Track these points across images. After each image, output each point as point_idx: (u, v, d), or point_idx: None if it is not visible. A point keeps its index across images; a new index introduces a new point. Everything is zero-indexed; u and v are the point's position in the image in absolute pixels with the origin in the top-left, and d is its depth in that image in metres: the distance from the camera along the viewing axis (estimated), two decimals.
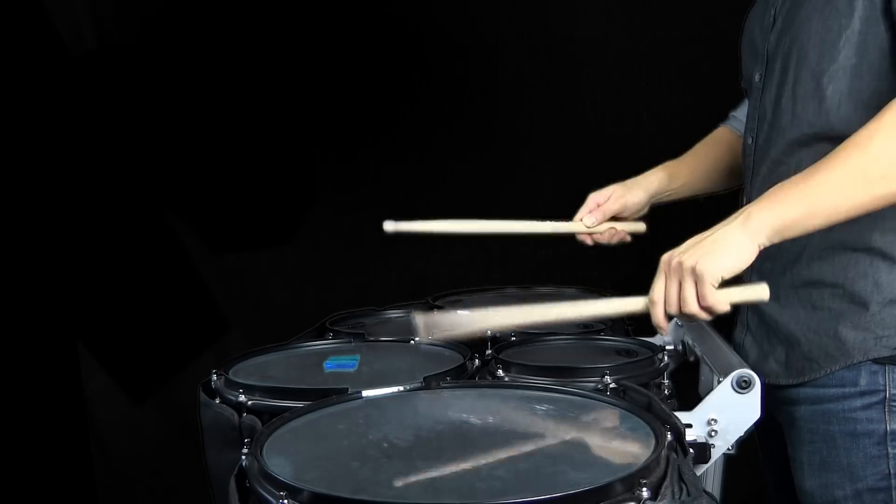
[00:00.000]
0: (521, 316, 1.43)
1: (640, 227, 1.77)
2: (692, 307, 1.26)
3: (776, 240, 1.26)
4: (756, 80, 1.53)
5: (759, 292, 1.31)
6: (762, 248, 1.25)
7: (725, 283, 1.27)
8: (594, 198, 1.73)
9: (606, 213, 1.72)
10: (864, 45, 1.32)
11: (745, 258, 1.25)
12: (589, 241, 1.75)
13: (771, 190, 1.28)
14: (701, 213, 1.43)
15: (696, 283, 1.25)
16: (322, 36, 3.11)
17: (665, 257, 1.30)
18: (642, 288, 1.33)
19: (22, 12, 2.99)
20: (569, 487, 0.93)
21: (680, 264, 1.26)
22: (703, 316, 1.28)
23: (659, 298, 1.30)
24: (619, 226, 1.74)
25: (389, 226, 1.56)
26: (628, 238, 1.76)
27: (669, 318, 1.32)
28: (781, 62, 1.44)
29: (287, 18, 3.11)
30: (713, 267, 1.24)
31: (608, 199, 1.72)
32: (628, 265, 1.79)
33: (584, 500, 0.91)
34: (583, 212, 1.73)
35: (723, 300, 1.26)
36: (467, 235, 1.72)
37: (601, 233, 1.73)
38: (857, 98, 1.34)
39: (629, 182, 1.75)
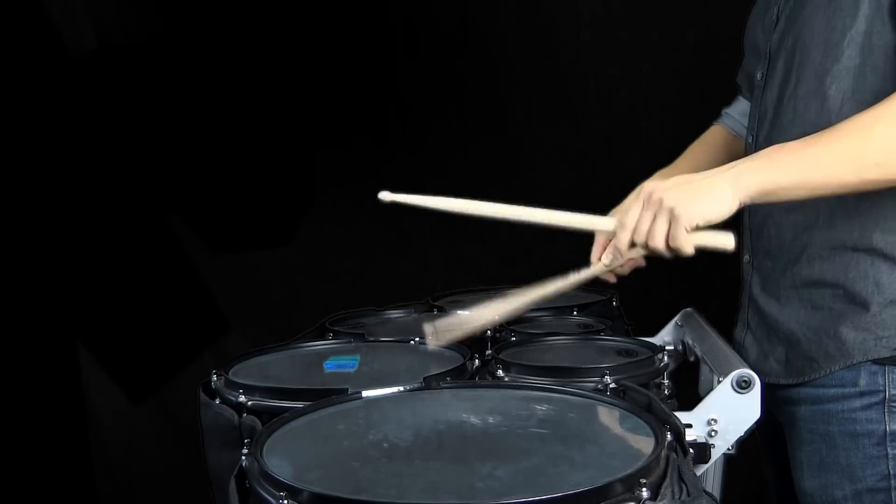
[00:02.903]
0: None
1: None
2: (659, 243, 1.27)
3: (758, 201, 1.27)
4: (758, 78, 1.52)
5: (724, 241, 1.29)
6: (742, 205, 1.26)
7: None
8: (602, 234, 1.61)
9: None
10: (869, 45, 1.32)
11: (724, 211, 1.25)
12: (612, 279, 1.68)
13: (766, 151, 1.29)
14: None
15: (671, 223, 1.26)
16: (321, 35, 3.11)
17: (647, 187, 1.30)
18: (643, 287, 1.33)
19: (22, 12, 2.99)
20: (569, 487, 0.93)
21: (661, 200, 1.26)
22: (666, 254, 1.28)
23: (629, 225, 1.30)
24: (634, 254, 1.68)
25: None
26: (643, 262, 1.72)
27: (632, 245, 1.31)
28: (784, 61, 1.44)
29: (287, 18, 3.11)
30: (692, 212, 1.25)
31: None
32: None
33: (584, 500, 0.91)
34: (597, 251, 1.59)
35: (690, 242, 1.26)
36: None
37: (621, 266, 1.68)
38: (859, 98, 1.33)
39: (627, 204, 1.64)
